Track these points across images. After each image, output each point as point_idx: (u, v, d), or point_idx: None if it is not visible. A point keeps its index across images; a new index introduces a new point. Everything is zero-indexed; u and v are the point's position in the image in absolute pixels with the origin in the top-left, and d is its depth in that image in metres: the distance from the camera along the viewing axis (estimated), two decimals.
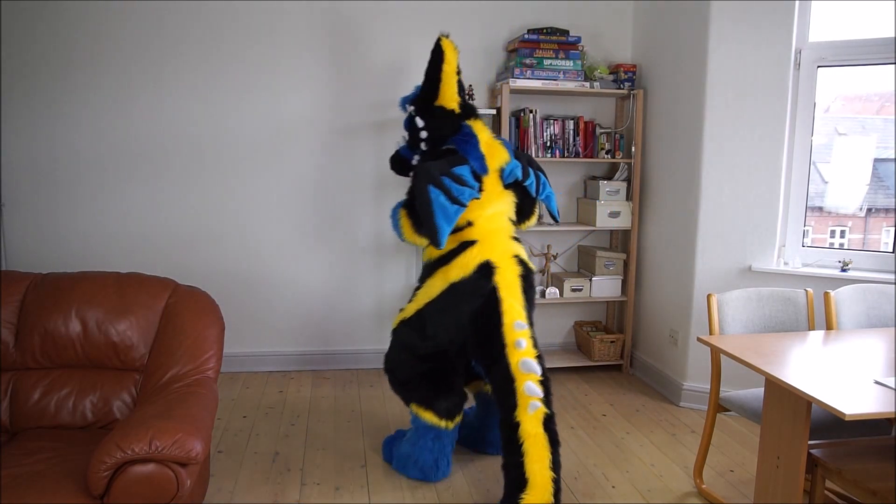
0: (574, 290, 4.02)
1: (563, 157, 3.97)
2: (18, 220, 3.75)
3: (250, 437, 3.15)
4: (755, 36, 3.30)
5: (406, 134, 2.93)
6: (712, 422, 2.67)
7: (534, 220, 2.97)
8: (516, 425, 2.40)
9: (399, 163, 3.01)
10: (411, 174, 2.82)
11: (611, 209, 3.97)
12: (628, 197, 4.01)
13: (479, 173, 2.69)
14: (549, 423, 2.42)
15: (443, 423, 2.70)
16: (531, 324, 2.61)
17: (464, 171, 2.62)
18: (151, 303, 2.45)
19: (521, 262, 2.66)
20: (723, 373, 2.66)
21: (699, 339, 2.48)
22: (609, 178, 4.09)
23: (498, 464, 2.89)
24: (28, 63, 3.64)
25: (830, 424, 2.36)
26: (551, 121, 3.92)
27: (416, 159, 2.90)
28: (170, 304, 2.46)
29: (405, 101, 2.92)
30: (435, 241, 2.52)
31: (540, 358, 2.51)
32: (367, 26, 3.88)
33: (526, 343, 2.49)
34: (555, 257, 4.22)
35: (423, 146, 2.85)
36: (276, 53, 3.83)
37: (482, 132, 2.80)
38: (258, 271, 3.99)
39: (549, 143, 3.93)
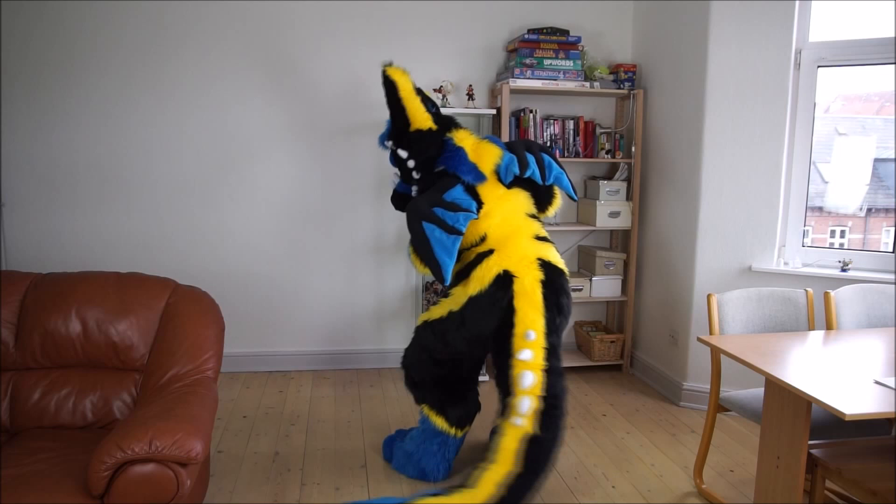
0: (574, 290, 4.02)
1: (564, 157, 3.97)
2: (18, 220, 3.75)
3: (250, 437, 3.15)
4: (755, 36, 3.30)
5: (397, 170, 2.84)
6: (712, 422, 2.67)
7: (557, 203, 2.79)
8: (499, 434, 2.34)
9: (400, 200, 2.92)
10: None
11: (611, 209, 3.97)
12: (628, 197, 4.01)
13: (474, 184, 2.59)
14: (530, 446, 2.29)
15: (452, 431, 2.68)
16: (554, 332, 2.46)
17: (456, 192, 2.53)
18: (151, 303, 2.45)
19: (546, 266, 2.51)
20: (723, 373, 2.66)
21: (699, 339, 2.48)
22: (609, 178, 4.09)
23: None
24: (28, 63, 3.64)
25: (830, 424, 2.36)
26: (551, 121, 3.92)
27: (414, 191, 2.79)
28: (170, 304, 2.46)
29: (383, 139, 2.82)
30: (439, 278, 2.43)
31: (551, 372, 2.39)
32: (367, 26, 3.88)
33: (532, 354, 2.37)
34: None
35: (415, 175, 2.74)
36: (275, 54, 3.83)
37: (466, 140, 2.69)
38: (258, 271, 3.99)
39: (549, 143, 3.93)
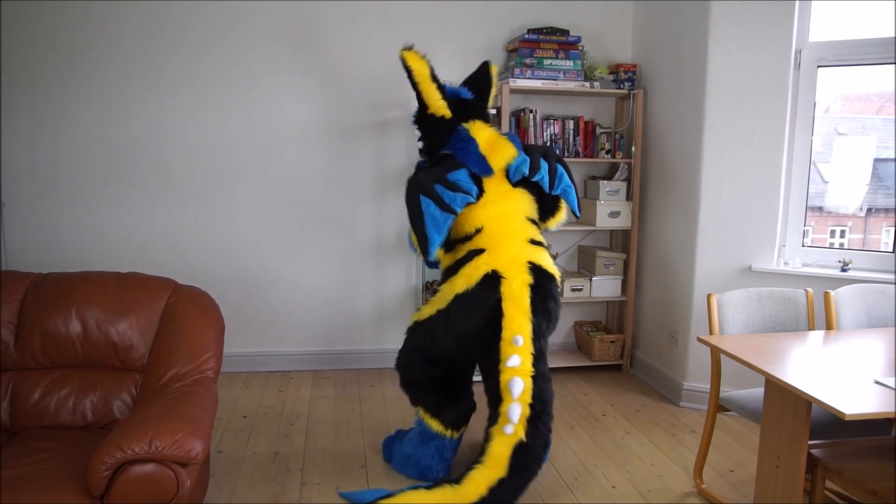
0: (574, 290, 4.02)
1: (564, 156, 3.96)
2: (18, 220, 3.75)
3: (250, 437, 3.15)
4: (755, 36, 3.30)
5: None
6: (712, 422, 2.67)
7: (560, 216, 2.77)
8: (489, 439, 2.36)
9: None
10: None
11: (611, 209, 3.97)
12: (628, 197, 4.01)
13: (480, 175, 2.59)
14: (520, 452, 2.32)
15: (448, 433, 2.68)
16: (541, 337, 2.47)
17: (460, 175, 2.54)
18: (151, 303, 2.45)
19: (536, 270, 2.50)
20: (723, 373, 2.66)
21: (699, 339, 2.48)
22: (609, 177, 4.09)
23: None
24: (28, 63, 3.64)
25: (830, 424, 2.36)
26: (551, 121, 3.92)
27: None
28: (170, 304, 2.46)
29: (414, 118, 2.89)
30: (424, 252, 2.47)
31: (539, 377, 2.39)
32: (367, 26, 3.88)
33: (520, 360, 2.37)
34: (555, 257, 4.22)
35: (421, 157, 2.83)
36: (275, 55, 3.83)
37: (481, 132, 2.68)
38: (258, 271, 3.99)
39: (549, 143, 3.93)
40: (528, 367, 2.38)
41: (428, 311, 2.61)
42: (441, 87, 2.72)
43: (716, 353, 2.60)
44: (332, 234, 4.03)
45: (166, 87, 3.77)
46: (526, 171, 2.61)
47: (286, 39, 3.83)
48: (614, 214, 3.98)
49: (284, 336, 4.08)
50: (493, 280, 2.45)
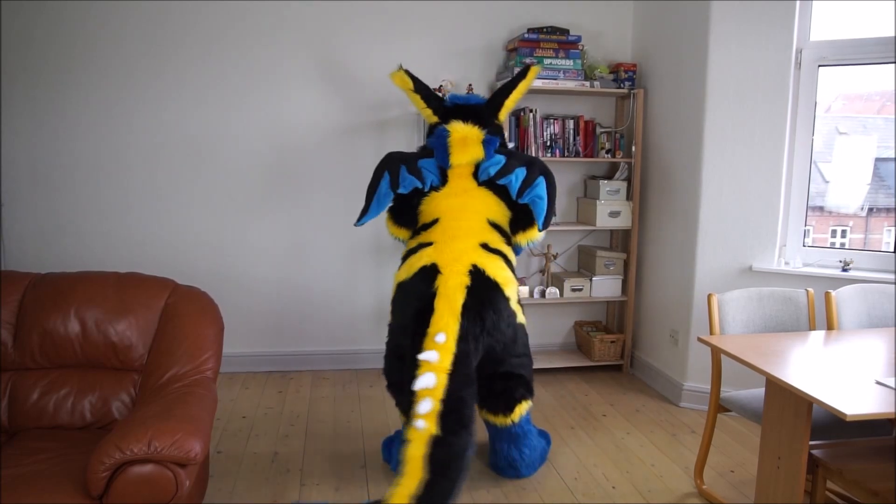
0: (574, 290, 4.02)
1: (564, 156, 3.96)
2: (18, 219, 3.75)
3: (250, 438, 3.14)
4: (756, 35, 3.29)
5: None
6: (713, 422, 2.66)
7: (531, 234, 2.73)
8: (405, 440, 2.20)
9: None
10: None
11: (611, 209, 3.97)
12: (628, 197, 4.00)
13: (443, 167, 2.76)
14: (435, 449, 2.17)
15: None
16: (472, 340, 2.38)
17: (428, 164, 2.74)
18: (150, 303, 2.44)
19: (477, 274, 2.46)
20: (723, 373, 2.65)
21: (699, 339, 2.47)
22: (609, 177, 4.08)
23: (497, 477, 2.87)
24: (28, 63, 3.64)
25: (831, 425, 2.36)
26: (551, 120, 3.92)
27: None
28: (169, 304, 2.46)
29: None
30: (359, 218, 2.71)
31: (456, 376, 2.29)
32: (367, 26, 3.88)
33: (437, 356, 2.29)
34: (555, 257, 4.22)
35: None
36: (275, 55, 3.82)
37: (457, 130, 2.76)
38: (258, 271, 3.99)
39: (549, 143, 3.93)
40: (446, 365, 2.30)
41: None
42: (427, 97, 2.97)
43: (716, 353, 2.60)
44: (332, 233, 4.03)
45: (166, 87, 3.76)
46: (492, 172, 2.69)
47: (286, 40, 3.82)
48: (614, 214, 3.98)
49: (283, 336, 4.07)
50: (430, 273, 2.47)
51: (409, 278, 2.53)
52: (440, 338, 2.34)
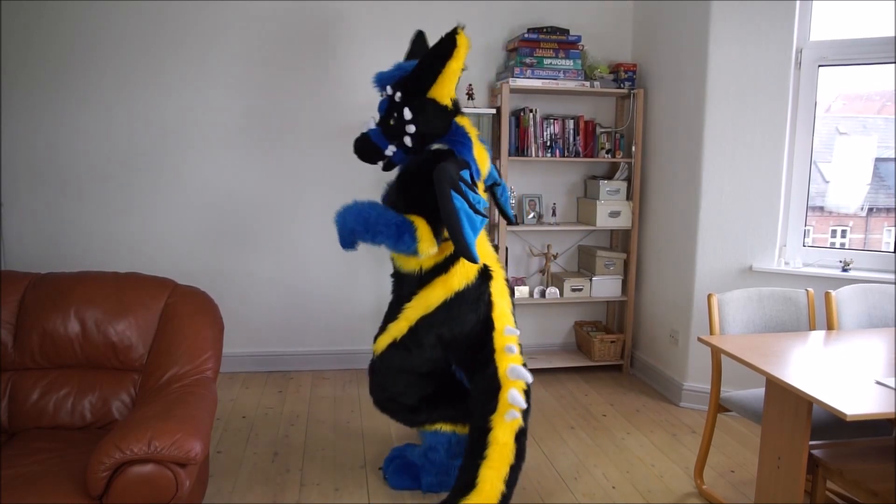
0: (574, 290, 4.02)
1: (564, 156, 3.96)
2: (18, 219, 3.75)
3: (249, 438, 3.14)
4: (756, 35, 3.29)
5: (377, 116, 2.59)
6: (713, 422, 2.66)
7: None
8: (488, 430, 2.30)
9: (366, 149, 2.61)
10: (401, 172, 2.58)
11: (611, 209, 3.97)
12: (628, 197, 4.00)
13: (476, 179, 2.45)
14: (521, 437, 2.31)
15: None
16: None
17: (466, 176, 2.35)
18: (150, 303, 2.44)
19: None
20: (723, 373, 2.65)
21: (700, 339, 2.47)
22: (609, 177, 4.08)
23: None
24: (28, 63, 3.63)
25: (831, 425, 2.36)
26: (551, 120, 3.92)
27: (390, 150, 2.56)
28: (169, 304, 2.46)
29: (383, 80, 2.55)
30: (470, 256, 2.24)
31: (526, 365, 2.44)
32: (365, 25, 3.88)
33: (516, 349, 2.42)
34: (555, 257, 4.21)
35: (407, 141, 2.50)
36: (275, 55, 3.82)
37: (472, 132, 2.56)
38: (257, 271, 3.99)
39: (549, 143, 3.93)
40: (521, 357, 2.45)
41: (405, 325, 2.50)
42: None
43: (716, 353, 2.60)
44: (332, 233, 4.02)
45: (166, 88, 3.76)
46: (497, 177, 2.77)
47: (286, 40, 3.82)
48: (614, 214, 3.98)
49: (284, 336, 4.07)
50: (486, 274, 2.52)
51: (471, 283, 2.47)
52: (510, 330, 2.46)
